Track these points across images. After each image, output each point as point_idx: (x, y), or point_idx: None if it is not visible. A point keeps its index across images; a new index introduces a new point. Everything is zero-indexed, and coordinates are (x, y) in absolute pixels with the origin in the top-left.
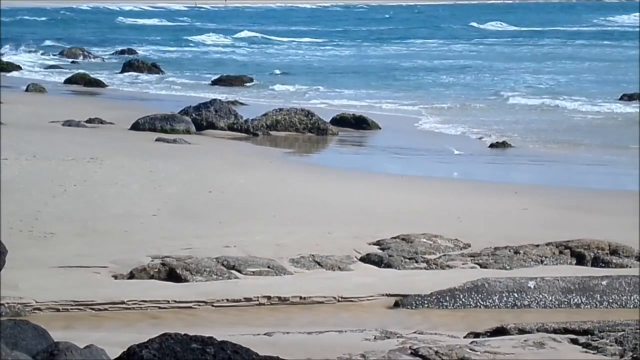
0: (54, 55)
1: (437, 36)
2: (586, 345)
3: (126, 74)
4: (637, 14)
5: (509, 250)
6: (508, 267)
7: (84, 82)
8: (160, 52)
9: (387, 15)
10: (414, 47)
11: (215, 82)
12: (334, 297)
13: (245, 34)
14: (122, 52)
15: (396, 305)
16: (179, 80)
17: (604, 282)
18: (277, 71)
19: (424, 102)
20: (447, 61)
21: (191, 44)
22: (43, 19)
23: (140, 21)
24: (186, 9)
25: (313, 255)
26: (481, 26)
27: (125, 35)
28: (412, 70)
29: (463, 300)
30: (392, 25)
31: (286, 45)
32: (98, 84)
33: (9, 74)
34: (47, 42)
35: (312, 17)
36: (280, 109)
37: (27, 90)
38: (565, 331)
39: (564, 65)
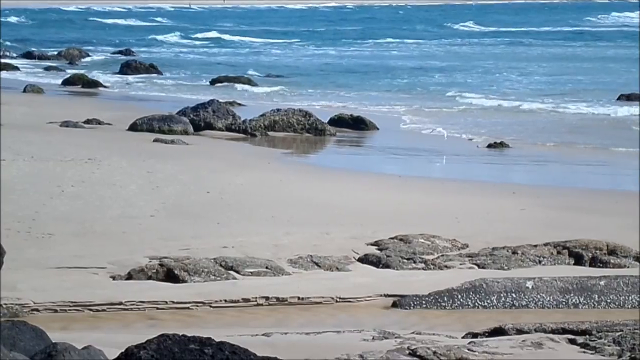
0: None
1: (416, 37)
2: (584, 346)
3: (124, 75)
4: (617, 13)
5: (507, 251)
6: (506, 268)
7: (82, 83)
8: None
9: (367, 16)
10: (389, 47)
11: (213, 82)
12: (332, 298)
13: (213, 34)
14: (120, 52)
15: (394, 305)
16: (177, 81)
17: (602, 282)
18: (252, 71)
19: (405, 103)
20: (427, 61)
21: (152, 44)
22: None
23: (104, 21)
24: (172, 9)
25: (311, 255)
26: (454, 26)
27: (88, 35)
28: (388, 70)
29: (461, 300)
30: (373, 25)
31: (254, 46)
32: (96, 84)
33: (5, 75)
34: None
35: (294, 17)
36: (278, 110)
37: (24, 91)
38: (564, 331)
39: (549, 66)
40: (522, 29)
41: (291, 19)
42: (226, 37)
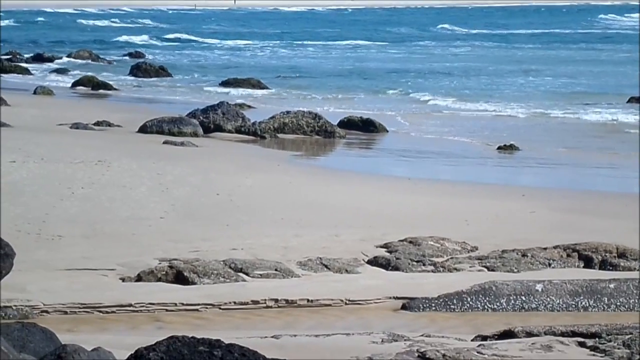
0: None
1: (416, 39)
2: (594, 349)
3: (134, 77)
4: (603, 15)
5: (517, 253)
6: (515, 270)
7: (92, 85)
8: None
9: (359, 18)
10: (383, 49)
11: (223, 84)
12: (342, 300)
13: (176, 35)
14: (131, 54)
15: (403, 308)
16: (187, 83)
17: (611, 285)
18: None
19: (403, 106)
20: (427, 64)
21: (115, 46)
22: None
23: (87, 22)
24: (170, 11)
25: (320, 258)
26: (448, 29)
27: (53, 36)
28: (385, 73)
29: (470, 303)
30: (368, 27)
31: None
32: (106, 86)
33: (15, 77)
34: None
35: (287, 20)
36: (288, 112)
37: (35, 93)
38: (573, 334)
39: (549, 69)
40: (512, 31)
41: (277, 21)
42: (198, 39)
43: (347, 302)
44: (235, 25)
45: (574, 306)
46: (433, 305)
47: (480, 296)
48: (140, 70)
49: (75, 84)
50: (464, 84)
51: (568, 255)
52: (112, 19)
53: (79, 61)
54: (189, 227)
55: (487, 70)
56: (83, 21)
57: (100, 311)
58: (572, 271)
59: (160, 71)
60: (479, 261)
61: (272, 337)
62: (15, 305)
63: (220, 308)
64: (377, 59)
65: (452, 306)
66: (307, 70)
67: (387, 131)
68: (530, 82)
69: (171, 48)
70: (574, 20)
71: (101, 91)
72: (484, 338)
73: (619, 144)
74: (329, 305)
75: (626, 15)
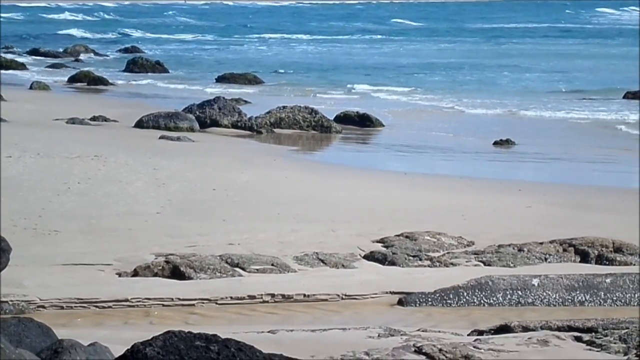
0: None
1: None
2: (590, 343)
3: (130, 72)
4: (582, 11)
5: (513, 248)
6: (512, 265)
7: (88, 80)
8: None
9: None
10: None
11: (219, 79)
12: (338, 295)
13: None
14: (127, 50)
15: (400, 302)
16: (182, 78)
17: (607, 280)
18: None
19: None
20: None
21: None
22: None
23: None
24: (148, 5)
25: (317, 252)
26: (436, 24)
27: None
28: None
29: (467, 298)
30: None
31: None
32: (102, 81)
33: (12, 72)
34: None
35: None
36: (284, 107)
37: (31, 88)
38: (569, 329)
39: (537, 65)
40: (503, 25)
41: (244, 15)
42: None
43: (344, 297)
44: (207, 20)
45: (570, 301)
46: (429, 300)
47: (477, 291)
48: (137, 65)
49: (71, 79)
50: (452, 79)
51: (564, 250)
52: (76, 13)
53: (72, 57)
54: (185, 222)
55: (476, 66)
56: (45, 15)
57: (96, 306)
58: (568, 266)
59: (157, 66)
60: (476, 256)
61: (268, 332)
62: (11, 300)
63: (216, 303)
64: (349, 54)
65: (449, 301)
66: (297, 65)
67: (383, 126)
68: (521, 77)
69: (159, 43)
70: (548, 13)
71: (97, 86)
72: (480, 333)
73: (616, 139)
74: (326, 300)
75: (597, 9)
